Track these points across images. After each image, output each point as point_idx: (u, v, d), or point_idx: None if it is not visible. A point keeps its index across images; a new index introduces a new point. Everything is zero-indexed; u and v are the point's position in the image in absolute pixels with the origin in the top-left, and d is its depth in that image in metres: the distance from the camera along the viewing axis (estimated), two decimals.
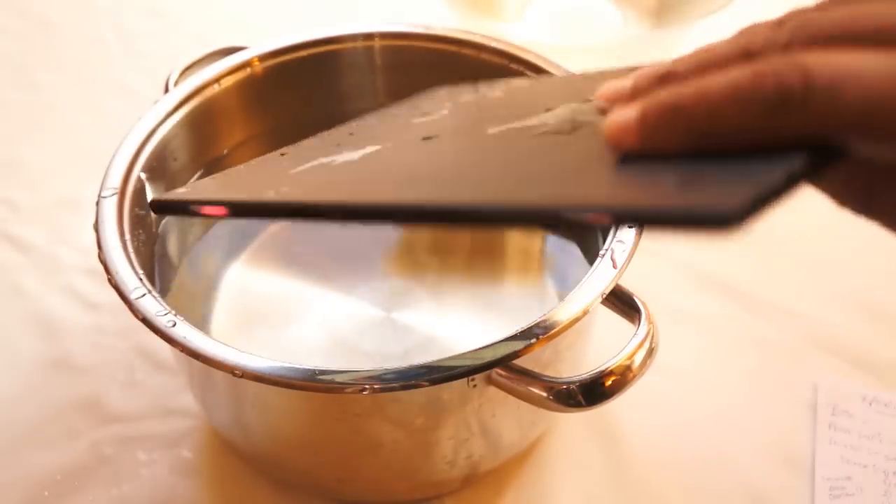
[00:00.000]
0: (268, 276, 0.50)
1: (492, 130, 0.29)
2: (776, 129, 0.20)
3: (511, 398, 0.36)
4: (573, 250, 0.48)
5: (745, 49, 0.22)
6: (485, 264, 0.51)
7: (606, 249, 0.37)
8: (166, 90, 0.49)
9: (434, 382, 0.34)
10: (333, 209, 0.27)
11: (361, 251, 0.51)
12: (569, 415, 0.46)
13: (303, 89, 0.53)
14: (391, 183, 0.28)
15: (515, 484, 0.45)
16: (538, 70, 0.48)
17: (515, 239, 0.52)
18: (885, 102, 0.19)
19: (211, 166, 0.51)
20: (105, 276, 0.38)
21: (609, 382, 0.34)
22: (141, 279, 0.37)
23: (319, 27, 0.53)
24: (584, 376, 0.34)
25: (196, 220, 0.50)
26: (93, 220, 0.40)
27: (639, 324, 0.36)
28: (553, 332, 0.35)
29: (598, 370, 0.34)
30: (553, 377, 0.35)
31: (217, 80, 0.49)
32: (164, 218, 0.47)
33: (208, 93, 0.49)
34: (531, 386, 0.35)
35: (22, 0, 0.80)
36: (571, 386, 0.34)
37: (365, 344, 0.46)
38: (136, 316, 0.36)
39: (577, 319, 0.36)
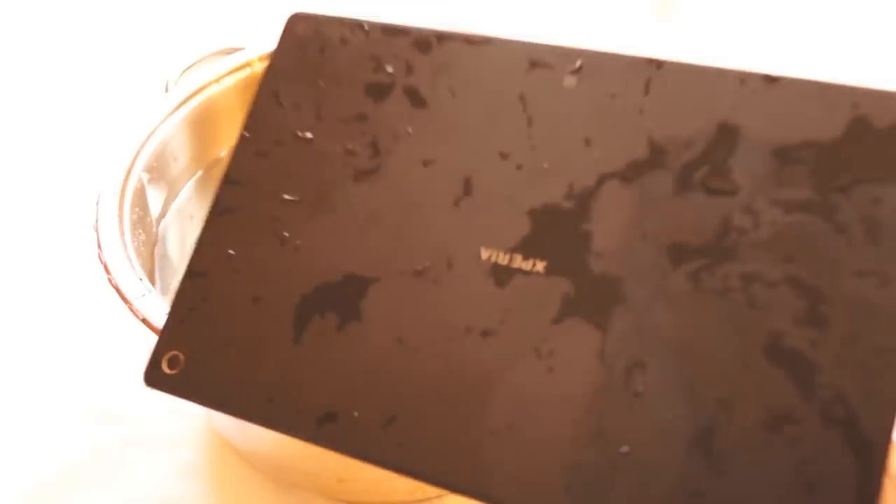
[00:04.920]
0: None
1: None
2: None
3: None
4: None
5: None
6: None
7: None
8: (166, 90, 0.49)
9: None
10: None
11: None
12: None
13: None
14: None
15: None
16: None
17: None
18: None
19: (211, 166, 0.51)
20: (105, 276, 0.38)
21: None
22: (141, 279, 0.37)
23: None
24: None
25: (196, 218, 0.50)
26: (93, 221, 0.40)
27: None
28: None
29: None
30: None
31: (217, 80, 0.49)
32: (164, 218, 0.47)
33: (208, 93, 0.49)
34: None
35: (22, 0, 0.80)
36: None
37: None
38: (136, 316, 0.36)
39: None
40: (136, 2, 0.80)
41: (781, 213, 0.22)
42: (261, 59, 0.51)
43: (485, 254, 0.24)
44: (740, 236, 0.22)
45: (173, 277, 0.47)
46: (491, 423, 0.23)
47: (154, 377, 0.26)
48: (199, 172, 0.50)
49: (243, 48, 0.51)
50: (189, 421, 0.47)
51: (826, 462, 0.20)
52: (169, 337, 0.26)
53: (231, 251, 0.27)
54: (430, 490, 0.43)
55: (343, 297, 0.25)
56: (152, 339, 0.35)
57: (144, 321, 0.36)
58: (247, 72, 0.50)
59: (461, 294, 0.24)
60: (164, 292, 0.45)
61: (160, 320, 0.35)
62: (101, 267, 0.38)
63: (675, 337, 0.22)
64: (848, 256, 0.21)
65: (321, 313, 0.25)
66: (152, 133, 0.46)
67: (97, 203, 0.41)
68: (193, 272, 0.27)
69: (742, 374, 0.21)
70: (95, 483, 0.45)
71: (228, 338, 0.26)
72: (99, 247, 0.39)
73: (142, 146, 0.45)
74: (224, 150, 0.51)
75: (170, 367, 0.26)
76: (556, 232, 0.24)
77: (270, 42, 0.51)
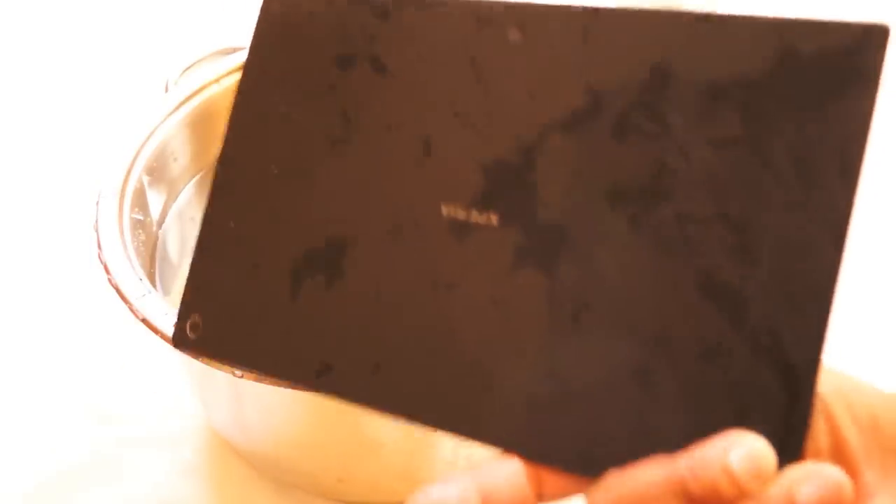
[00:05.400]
0: None
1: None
2: None
3: None
4: None
5: None
6: None
7: None
8: (166, 90, 0.49)
9: None
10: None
11: None
12: None
13: None
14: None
15: None
16: None
17: None
18: None
19: (211, 166, 0.51)
20: (105, 276, 0.38)
21: None
22: (141, 279, 0.37)
23: None
24: None
25: (197, 220, 0.50)
26: (93, 221, 0.40)
27: None
28: None
29: None
30: None
31: (217, 80, 0.49)
32: (165, 219, 0.47)
33: (208, 93, 0.49)
34: None
35: (22, 0, 0.80)
36: None
37: None
38: (136, 316, 0.36)
39: None
40: (136, 2, 0.80)
41: (712, 151, 0.23)
42: None
43: (445, 210, 0.26)
44: (674, 177, 0.23)
45: (174, 278, 0.47)
46: (458, 368, 0.25)
47: (180, 340, 0.29)
48: (200, 174, 0.50)
49: (243, 48, 0.51)
50: (188, 421, 0.47)
51: (757, 390, 0.21)
52: (188, 304, 0.29)
53: (231, 224, 0.29)
54: None
55: (327, 259, 0.27)
56: (152, 339, 0.35)
57: (144, 321, 0.36)
58: None
59: (427, 251, 0.26)
60: (164, 293, 0.45)
61: (160, 320, 0.36)
62: (101, 267, 0.38)
63: (616, 279, 0.23)
64: (776, 190, 0.22)
65: (311, 275, 0.27)
66: (152, 133, 0.46)
67: (97, 203, 0.41)
68: (202, 245, 0.29)
69: (677, 311, 0.22)
70: (95, 483, 0.45)
71: (236, 302, 0.28)
72: (99, 247, 0.39)
73: (142, 146, 0.45)
74: None
75: (192, 330, 0.28)
76: (507, 185, 0.25)
77: None
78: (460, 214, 0.25)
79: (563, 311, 0.24)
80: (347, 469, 0.42)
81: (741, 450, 0.21)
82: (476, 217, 0.25)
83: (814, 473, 0.20)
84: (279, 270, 0.27)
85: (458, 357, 0.25)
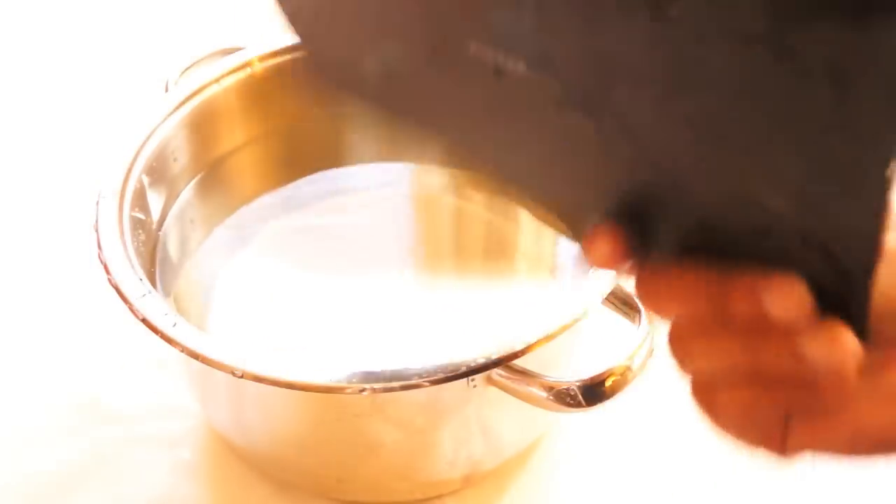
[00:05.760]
0: (269, 277, 0.50)
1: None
2: None
3: (511, 398, 0.36)
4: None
5: None
6: (494, 265, 0.51)
7: None
8: (166, 90, 0.49)
9: (434, 382, 0.34)
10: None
11: (364, 252, 0.51)
12: (569, 415, 0.46)
13: (303, 89, 0.53)
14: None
15: (515, 484, 0.45)
16: None
17: (528, 240, 0.52)
18: None
19: (211, 167, 0.51)
20: (105, 276, 0.38)
21: (609, 382, 0.35)
22: (141, 279, 0.37)
23: None
24: (585, 377, 0.34)
25: (197, 221, 0.50)
26: (93, 221, 0.40)
27: (639, 323, 0.37)
28: (553, 331, 0.35)
29: (598, 370, 0.35)
30: (553, 377, 0.35)
31: (217, 80, 0.49)
32: (165, 219, 0.47)
33: (208, 93, 0.49)
34: (531, 386, 0.35)
35: (22, 0, 0.80)
36: (571, 386, 0.34)
37: (366, 344, 0.46)
38: (136, 316, 0.36)
39: (577, 319, 0.36)
40: (136, 2, 0.80)
41: (729, 46, 0.19)
42: (261, 58, 0.51)
43: (472, 48, 0.23)
44: (692, 72, 0.19)
45: (175, 278, 0.47)
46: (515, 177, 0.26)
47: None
48: (200, 174, 0.50)
49: (243, 48, 0.51)
50: (188, 420, 0.47)
51: (811, 280, 0.21)
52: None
53: None
54: (429, 490, 0.43)
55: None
56: (152, 339, 0.35)
57: (144, 321, 0.36)
58: (247, 72, 0.50)
59: (466, 85, 0.24)
60: (165, 293, 0.45)
61: (160, 320, 0.36)
62: (101, 267, 0.38)
63: (658, 149, 0.22)
64: (807, 107, 0.18)
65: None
66: (152, 133, 0.46)
67: (97, 203, 0.41)
68: None
69: (723, 190, 0.22)
70: (95, 483, 0.45)
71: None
72: (99, 247, 0.39)
73: (142, 146, 0.45)
74: (224, 149, 0.51)
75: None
76: (525, 27, 0.22)
77: (270, 42, 0.51)
78: (488, 55, 0.23)
79: (615, 156, 0.23)
80: (347, 469, 0.42)
81: (785, 289, 0.21)
82: (503, 60, 0.23)
83: (828, 330, 0.21)
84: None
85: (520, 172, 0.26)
